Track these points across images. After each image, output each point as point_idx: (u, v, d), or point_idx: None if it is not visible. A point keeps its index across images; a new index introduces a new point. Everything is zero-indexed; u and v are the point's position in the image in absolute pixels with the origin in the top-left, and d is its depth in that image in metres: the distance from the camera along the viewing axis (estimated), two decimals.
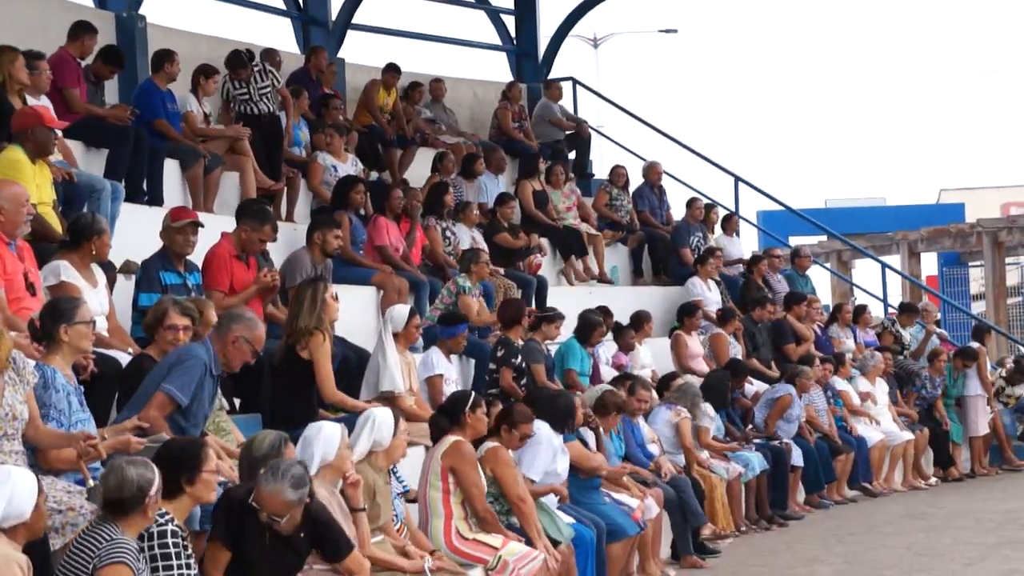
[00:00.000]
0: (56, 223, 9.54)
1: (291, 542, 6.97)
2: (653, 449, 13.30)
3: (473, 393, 10.18)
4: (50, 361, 7.26)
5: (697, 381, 14.86)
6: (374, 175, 15.93)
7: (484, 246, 15.85)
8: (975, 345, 19.86)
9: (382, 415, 8.53)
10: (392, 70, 18.07)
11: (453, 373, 12.13)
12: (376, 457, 8.43)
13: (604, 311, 15.25)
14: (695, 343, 16.40)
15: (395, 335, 11.07)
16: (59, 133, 10.41)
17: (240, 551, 6.76)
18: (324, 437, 7.85)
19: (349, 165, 15.11)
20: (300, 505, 6.87)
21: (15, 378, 6.73)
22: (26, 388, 6.83)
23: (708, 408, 14.39)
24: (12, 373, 6.68)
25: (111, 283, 9.51)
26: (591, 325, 14.27)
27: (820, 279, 25.01)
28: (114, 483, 6.11)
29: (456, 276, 13.70)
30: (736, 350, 16.69)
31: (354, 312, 12.87)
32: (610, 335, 15.48)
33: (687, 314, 16.64)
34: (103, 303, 8.93)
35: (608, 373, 14.43)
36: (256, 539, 6.83)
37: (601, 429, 11.96)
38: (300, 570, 7.12)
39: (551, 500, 10.57)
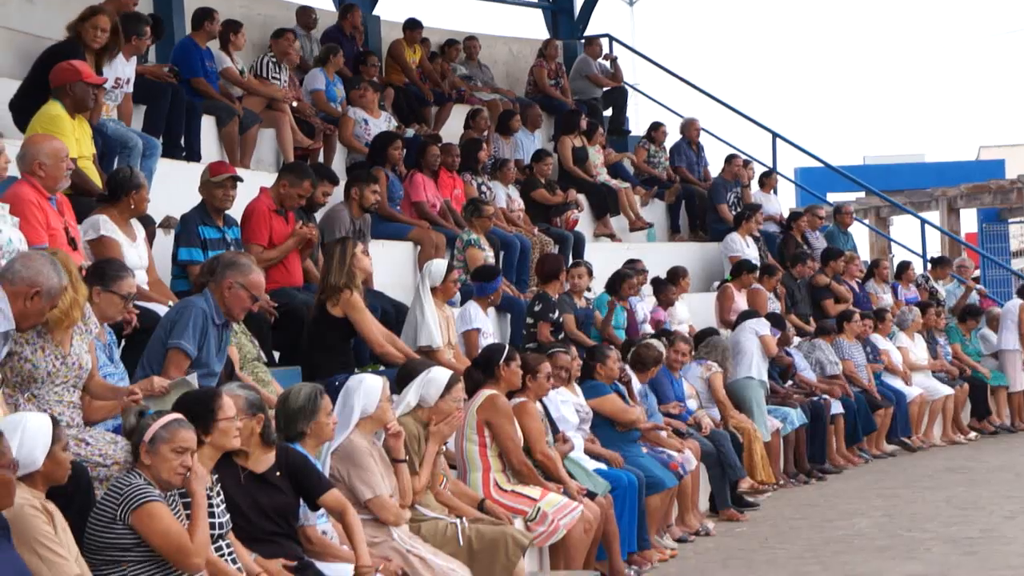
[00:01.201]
0: (96, 177, 9.60)
1: (267, 479, 6.98)
2: (692, 404, 13.32)
3: (507, 346, 10.22)
4: None
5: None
6: (410, 132, 15.92)
7: (520, 202, 15.86)
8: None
9: (438, 374, 8.54)
10: (413, 26, 18.02)
11: (490, 327, 12.14)
12: (422, 412, 8.45)
13: (636, 265, 15.21)
14: (741, 298, 16.36)
15: (433, 290, 11.09)
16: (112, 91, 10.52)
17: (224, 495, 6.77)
18: (365, 389, 7.87)
19: (382, 121, 15.11)
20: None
21: (81, 327, 6.79)
22: (89, 337, 6.88)
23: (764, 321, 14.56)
24: (80, 323, 6.73)
25: (150, 237, 9.55)
26: (620, 278, 14.27)
27: (858, 236, 24.87)
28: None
29: (463, 232, 13.68)
30: (775, 307, 16.65)
31: (392, 267, 12.92)
32: (649, 290, 15.47)
33: (745, 270, 16.59)
34: (142, 257, 8.97)
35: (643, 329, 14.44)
36: (233, 481, 6.83)
37: (635, 381, 12.00)
38: (291, 511, 7.09)
39: (582, 454, 10.61)
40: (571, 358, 11.06)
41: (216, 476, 6.52)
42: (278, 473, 7.01)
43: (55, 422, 5.63)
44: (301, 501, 7.13)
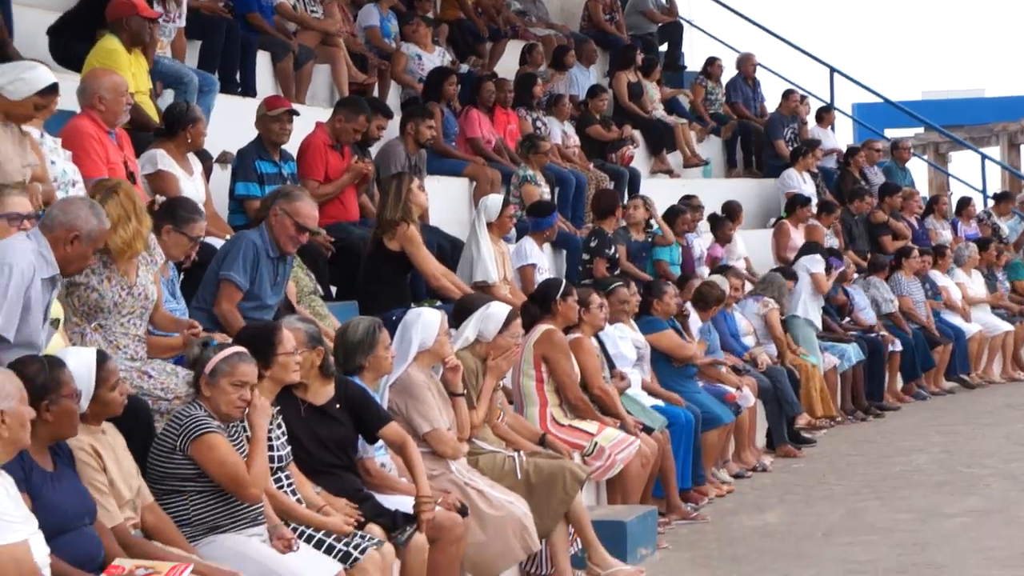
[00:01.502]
0: (153, 112, 9.60)
1: (327, 411, 6.99)
2: (748, 341, 13.27)
3: (564, 281, 10.20)
4: None
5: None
6: (465, 67, 15.84)
7: (576, 138, 15.78)
8: None
9: (497, 309, 8.52)
10: None
11: (545, 263, 12.12)
12: (480, 347, 8.43)
13: (691, 201, 15.11)
14: (798, 235, 16.24)
15: (489, 225, 11.05)
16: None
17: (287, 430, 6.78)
18: (423, 323, 7.86)
19: (436, 56, 15.02)
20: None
21: (147, 258, 6.81)
22: (155, 269, 6.91)
23: (818, 257, 14.50)
24: (145, 253, 6.75)
25: (207, 172, 9.55)
26: (675, 213, 14.19)
27: (917, 171, 24.63)
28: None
29: (519, 167, 13.61)
30: (832, 243, 16.53)
31: (447, 204, 12.89)
32: (706, 227, 15.39)
33: (799, 205, 16.46)
34: (199, 191, 8.98)
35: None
36: (294, 414, 6.85)
37: (695, 315, 11.98)
38: (351, 443, 7.12)
39: (639, 390, 10.59)
40: (631, 292, 11.03)
41: (277, 409, 6.53)
42: (338, 406, 7.02)
43: (102, 361, 5.60)
44: (359, 434, 7.15)
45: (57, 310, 6.29)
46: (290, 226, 7.88)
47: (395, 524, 6.76)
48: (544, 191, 13.29)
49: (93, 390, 5.52)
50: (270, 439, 6.38)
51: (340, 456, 7.01)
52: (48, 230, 5.88)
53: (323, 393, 7.00)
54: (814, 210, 16.80)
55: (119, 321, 6.63)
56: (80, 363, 5.51)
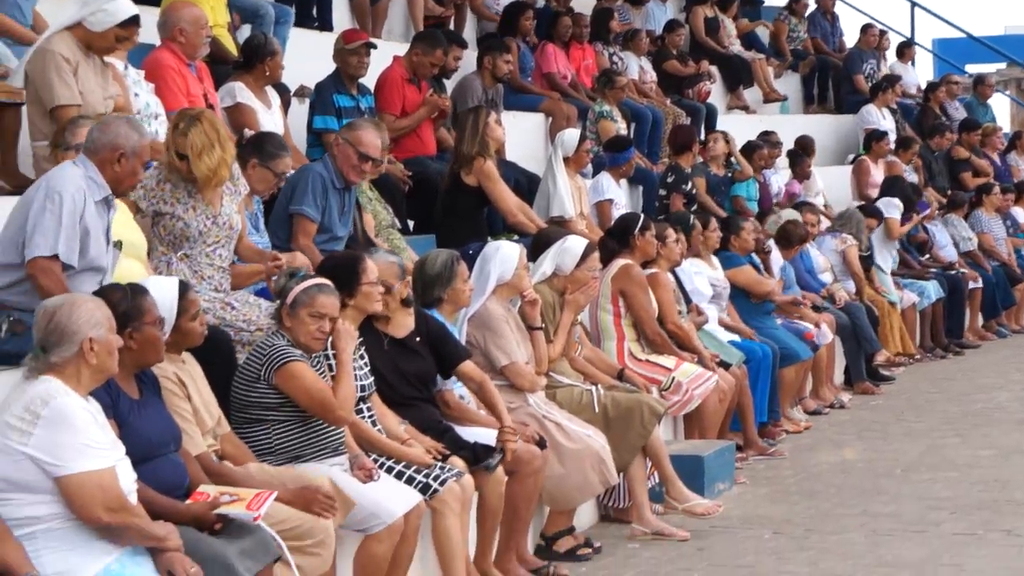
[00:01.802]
0: (231, 45, 9.63)
1: (407, 344, 7.00)
2: (826, 277, 13.16)
3: (642, 215, 10.15)
4: None
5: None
6: (541, 2, 15.74)
7: (653, 74, 15.66)
8: None
9: (574, 242, 8.49)
10: None
11: (622, 199, 12.06)
12: (557, 280, 8.41)
13: (769, 137, 14.97)
14: (878, 171, 16.05)
15: (565, 160, 10.99)
16: None
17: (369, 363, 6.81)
18: (501, 256, 7.85)
19: None
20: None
21: (231, 187, 6.84)
22: (239, 198, 6.93)
23: (896, 202, 14.37)
24: (229, 183, 6.78)
25: (285, 106, 9.57)
26: (751, 149, 14.07)
27: (999, 108, 24.27)
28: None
29: (595, 102, 13.52)
30: (912, 179, 16.34)
31: (523, 139, 12.85)
32: (784, 163, 15.25)
33: (875, 140, 16.28)
34: (277, 124, 8.99)
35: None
36: (376, 347, 6.86)
37: (776, 253, 11.90)
38: (430, 375, 7.13)
39: (716, 326, 10.55)
40: (712, 228, 10.96)
41: (361, 340, 6.54)
42: (418, 339, 7.04)
43: (183, 291, 5.63)
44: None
45: (131, 233, 6.32)
46: (353, 155, 7.90)
47: (476, 457, 6.78)
48: (620, 127, 13.21)
49: (174, 319, 5.55)
50: (354, 369, 6.40)
51: (421, 389, 7.03)
52: (93, 154, 5.86)
53: (404, 326, 7.02)
54: (891, 145, 16.60)
55: (204, 251, 6.66)
56: (162, 292, 5.54)
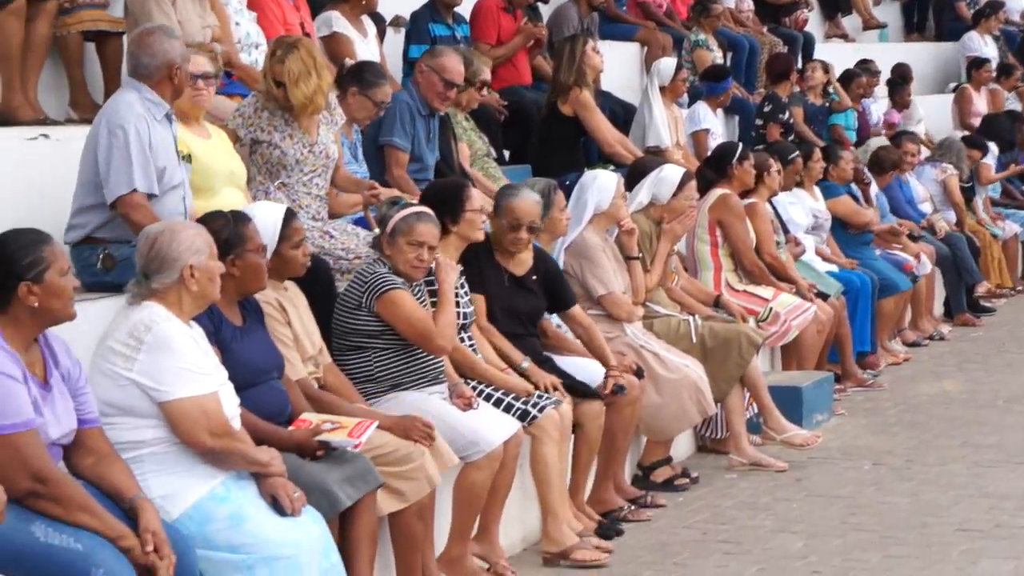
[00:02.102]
0: None
1: (524, 282, 6.99)
2: (925, 208, 12.98)
3: (740, 144, 10.04)
4: None
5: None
6: None
7: (749, 2, 15.42)
8: None
9: (670, 171, 8.42)
10: None
11: (718, 128, 11.94)
12: (654, 210, 8.35)
13: (868, 66, 14.73)
14: (980, 100, 15.77)
15: (661, 89, 10.89)
16: None
17: (486, 295, 6.81)
18: (599, 185, 7.80)
19: None
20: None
21: (327, 116, 6.84)
22: (335, 128, 6.94)
23: (992, 147, 14.00)
24: (325, 112, 6.78)
25: (381, 35, 9.54)
26: (850, 77, 13.86)
27: None
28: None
29: (691, 31, 13.37)
30: (1014, 107, 16.05)
31: (618, 69, 12.72)
32: (884, 91, 15.03)
33: (976, 68, 15.97)
34: (373, 53, 8.96)
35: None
36: (497, 283, 6.86)
37: (874, 184, 11.74)
38: (540, 314, 7.14)
39: (814, 256, 10.44)
40: (815, 160, 10.82)
41: (461, 268, 6.51)
42: (534, 277, 7.03)
43: (289, 218, 5.62)
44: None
45: (232, 161, 6.33)
46: (437, 82, 7.88)
47: (578, 391, 6.76)
48: (716, 56, 13.06)
49: (275, 245, 5.56)
50: (456, 297, 6.41)
51: (528, 326, 7.03)
52: (146, 77, 5.82)
53: (524, 263, 7.00)
54: (993, 73, 16.28)
55: (301, 180, 6.67)
56: (266, 218, 5.55)
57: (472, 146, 8.89)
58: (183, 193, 5.89)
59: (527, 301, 6.99)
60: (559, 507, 6.51)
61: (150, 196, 5.71)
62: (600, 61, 10.15)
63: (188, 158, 6.07)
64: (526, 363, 6.70)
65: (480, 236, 6.66)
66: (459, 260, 6.54)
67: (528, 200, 6.87)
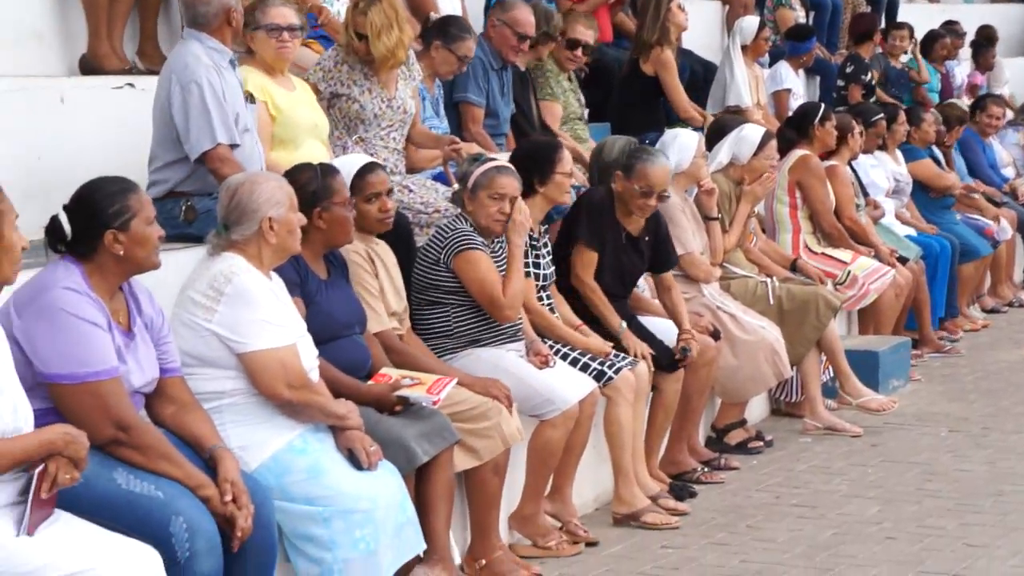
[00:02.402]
0: None
1: (638, 243, 6.98)
2: (1008, 172, 12.81)
3: (823, 105, 9.93)
4: None
5: None
6: None
7: None
8: None
9: (751, 130, 8.35)
10: None
11: (800, 88, 11.83)
12: (734, 170, 8.29)
13: (953, 27, 14.52)
14: None
15: (743, 48, 10.78)
16: None
17: (601, 252, 6.80)
18: (680, 144, 7.74)
19: None
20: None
21: (405, 72, 6.85)
22: (413, 83, 6.93)
23: None
24: (403, 67, 6.78)
25: None
26: (933, 38, 13.68)
27: None
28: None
29: None
30: None
31: (699, 27, 12.60)
32: (968, 53, 14.82)
33: None
34: (455, 7, 8.77)
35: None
36: (614, 239, 6.85)
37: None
38: (640, 274, 7.15)
39: (893, 220, 10.34)
40: (900, 122, 10.69)
41: (546, 228, 6.48)
42: (647, 238, 7.02)
43: (362, 171, 5.59)
44: None
45: (315, 114, 6.34)
46: (510, 36, 7.91)
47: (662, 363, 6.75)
48: (799, 15, 12.92)
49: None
50: (536, 258, 6.41)
51: (628, 288, 7.03)
52: (205, 26, 5.83)
53: (639, 222, 6.99)
54: None
55: (379, 134, 6.69)
56: (342, 169, 5.54)
57: (567, 107, 8.86)
58: (255, 137, 5.92)
59: (634, 262, 6.99)
60: (631, 469, 6.51)
61: (232, 146, 5.74)
62: (684, 19, 10.07)
63: (251, 97, 6.06)
64: (623, 328, 6.69)
65: (567, 199, 6.64)
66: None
67: (663, 167, 6.89)
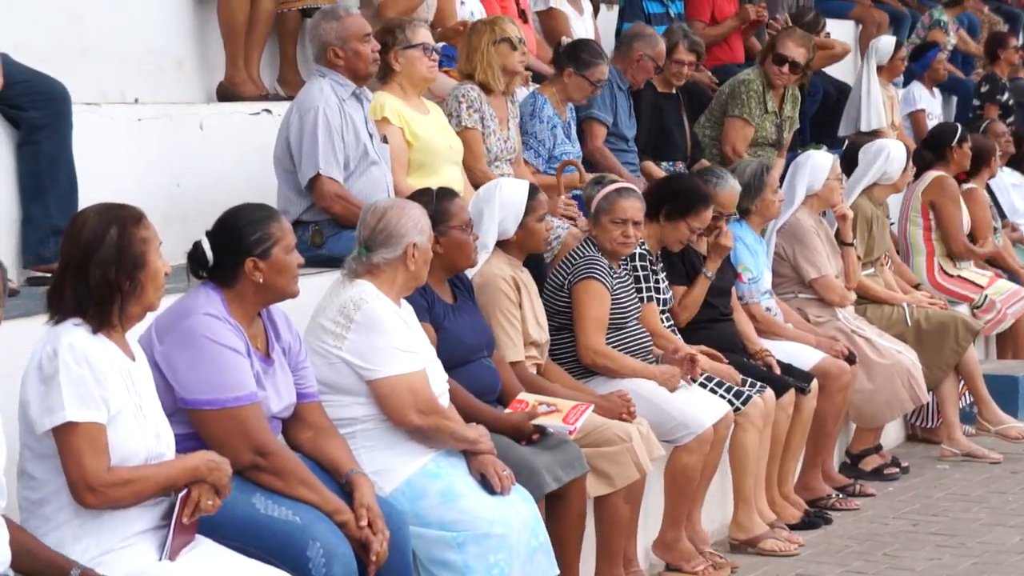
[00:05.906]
0: None
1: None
2: None
3: (959, 126, 9.78)
4: (542, 90, 7.38)
5: None
6: None
7: None
8: None
9: (896, 150, 8.24)
10: None
11: (936, 108, 11.67)
12: (878, 190, 8.19)
13: None
14: None
15: (879, 68, 10.65)
16: None
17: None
18: (812, 165, 7.67)
19: None
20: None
21: (512, 111, 6.93)
22: (516, 119, 7.03)
23: None
24: (510, 106, 6.88)
25: (595, 11, 9.51)
26: None
27: None
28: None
29: (933, 8, 13.04)
30: None
31: None
32: None
33: None
34: (588, 30, 8.96)
35: None
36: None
37: None
38: (732, 283, 7.06)
39: None
40: None
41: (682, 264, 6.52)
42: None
43: (533, 192, 5.68)
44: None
45: (450, 137, 6.40)
46: (651, 68, 8.12)
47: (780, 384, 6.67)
48: (951, 40, 12.77)
49: (522, 217, 5.61)
50: (656, 283, 6.41)
51: (723, 305, 6.91)
52: (339, 47, 5.92)
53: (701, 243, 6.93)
54: None
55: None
56: (513, 192, 5.62)
57: (760, 130, 8.82)
58: (383, 169, 5.98)
59: (723, 280, 6.87)
60: (752, 495, 6.46)
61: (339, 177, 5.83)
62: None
63: (384, 140, 6.15)
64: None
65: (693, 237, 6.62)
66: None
67: (728, 189, 6.82)
